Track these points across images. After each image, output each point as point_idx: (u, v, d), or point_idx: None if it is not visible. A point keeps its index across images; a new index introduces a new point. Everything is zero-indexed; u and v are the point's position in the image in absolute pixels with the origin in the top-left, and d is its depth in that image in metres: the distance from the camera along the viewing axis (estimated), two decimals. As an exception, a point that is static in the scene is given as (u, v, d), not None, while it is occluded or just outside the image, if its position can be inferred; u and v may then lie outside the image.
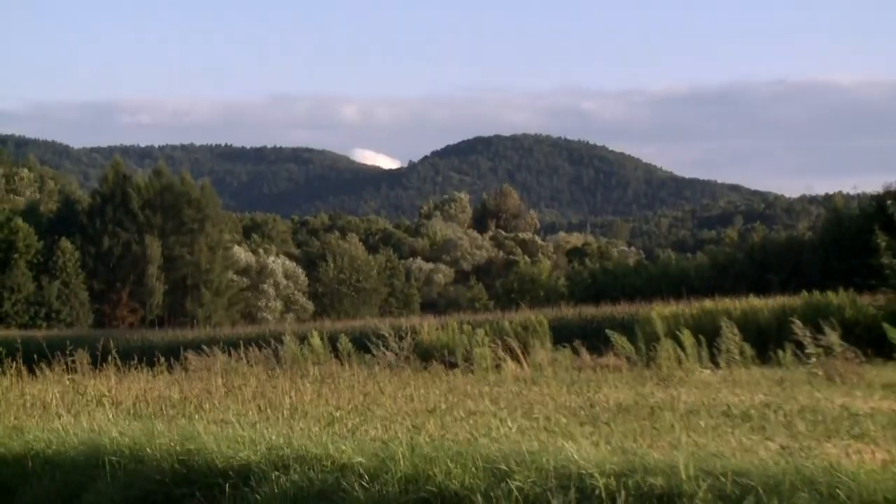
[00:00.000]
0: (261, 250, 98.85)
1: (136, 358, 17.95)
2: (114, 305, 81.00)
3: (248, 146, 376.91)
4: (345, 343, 18.97)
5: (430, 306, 76.17)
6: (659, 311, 30.33)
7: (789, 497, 6.02)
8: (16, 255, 79.83)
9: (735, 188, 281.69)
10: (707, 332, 16.79)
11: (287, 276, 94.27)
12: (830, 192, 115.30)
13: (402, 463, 6.97)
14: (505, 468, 6.70)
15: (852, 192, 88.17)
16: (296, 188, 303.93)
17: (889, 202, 38.24)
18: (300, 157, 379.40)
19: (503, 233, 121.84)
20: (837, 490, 5.98)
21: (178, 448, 7.74)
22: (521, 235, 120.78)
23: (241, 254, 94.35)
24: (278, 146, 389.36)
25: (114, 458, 7.72)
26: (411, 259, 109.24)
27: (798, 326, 16.04)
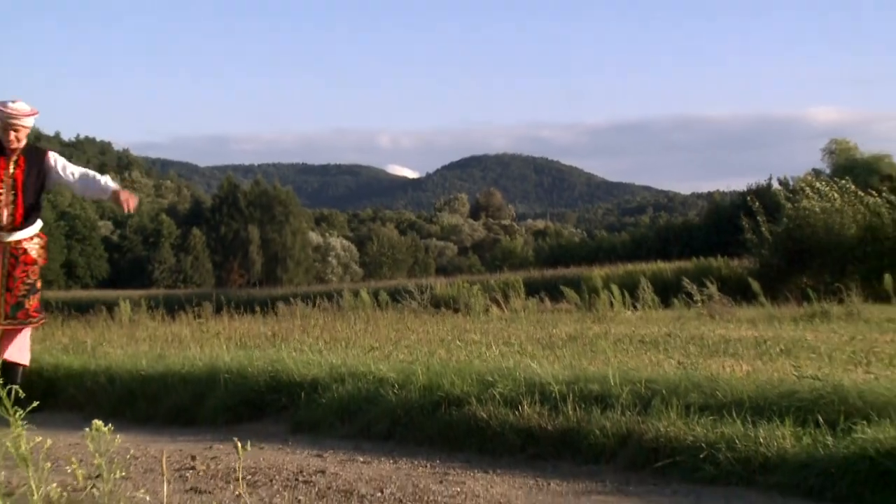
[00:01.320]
0: (326, 234, 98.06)
1: (242, 307, 17.52)
2: (228, 272, 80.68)
3: (318, 163, 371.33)
4: (383, 296, 18.45)
5: (441, 271, 75.10)
6: (596, 273, 29.44)
7: (684, 396, 5.47)
8: (162, 239, 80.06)
9: (647, 188, 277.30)
10: (629, 287, 15.98)
11: (344, 251, 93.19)
12: (711, 191, 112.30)
13: (420, 377, 6.55)
14: (491, 379, 6.28)
15: (725, 190, 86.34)
16: (349, 192, 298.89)
17: (749, 196, 37.24)
18: (352, 170, 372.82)
19: (491, 220, 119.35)
20: (716, 391, 5.51)
21: (269, 368, 7.50)
22: (503, 222, 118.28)
23: (313, 236, 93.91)
24: (337, 163, 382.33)
25: (226, 375, 7.45)
26: (429, 239, 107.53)
27: (688, 282, 15.65)
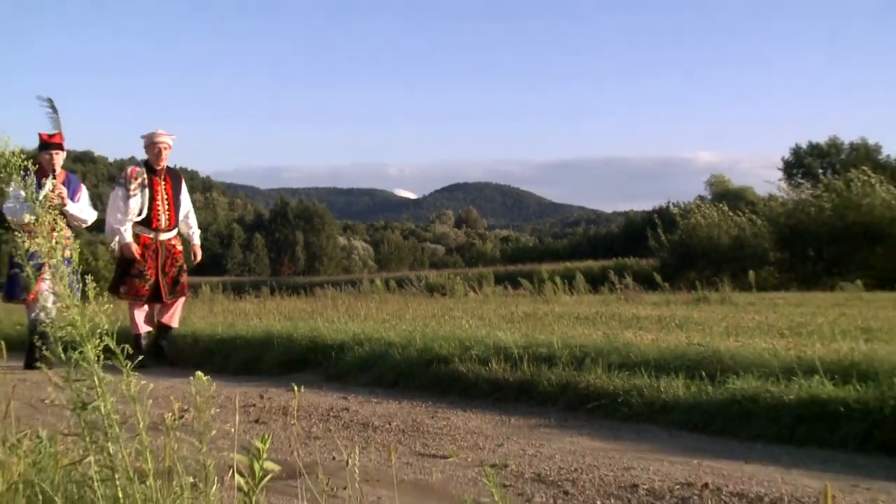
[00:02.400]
0: (350, 238, 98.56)
1: (289, 291, 17.46)
2: (280, 265, 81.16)
3: (344, 187, 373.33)
4: (392, 283, 18.36)
5: (433, 265, 74.85)
6: (544, 268, 29.41)
7: (607, 357, 5.43)
8: (233, 240, 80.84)
9: (581, 207, 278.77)
10: (568, 278, 15.86)
11: (363, 251, 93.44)
12: (627, 210, 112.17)
13: (418, 341, 6.51)
14: (468, 344, 6.24)
15: (637, 210, 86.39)
16: (367, 209, 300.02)
17: (654, 214, 37.49)
18: (369, 193, 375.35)
19: (469, 230, 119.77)
20: (630, 354, 5.49)
21: (309, 334, 7.41)
22: (478, 231, 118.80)
23: (341, 240, 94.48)
24: (358, 187, 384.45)
25: (278, 339, 7.38)
26: (424, 242, 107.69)
27: (611, 275, 15.65)
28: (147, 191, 7.45)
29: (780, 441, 4.12)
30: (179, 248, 7.81)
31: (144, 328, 7.62)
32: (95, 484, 1.67)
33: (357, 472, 2.29)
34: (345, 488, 2.57)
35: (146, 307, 7.66)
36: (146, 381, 1.79)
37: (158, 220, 7.48)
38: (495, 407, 5.25)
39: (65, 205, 7.09)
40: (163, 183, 7.51)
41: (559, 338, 6.22)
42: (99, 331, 1.70)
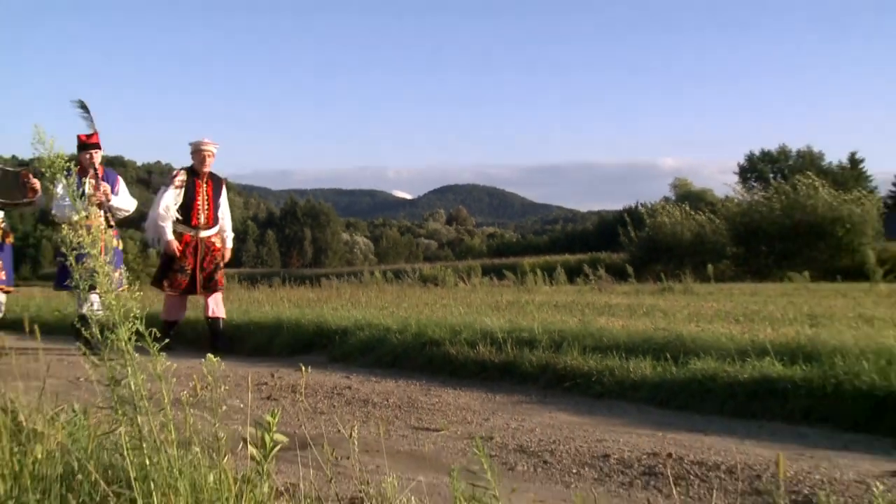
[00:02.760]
0: (353, 234, 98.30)
1: (298, 281, 17.37)
2: (289, 258, 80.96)
3: (347, 188, 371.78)
4: (389, 275, 18.32)
5: (427, 259, 74.88)
6: (526, 262, 29.31)
7: (582, 340, 5.43)
8: (247, 236, 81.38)
9: (560, 207, 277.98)
10: (547, 271, 15.88)
11: (364, 245, 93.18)
12: (601, 209, 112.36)
13: (413, 326, 6.47)
14: (458, 328, 6.21)
15: (610, 209, 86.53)
16: (368, 207, 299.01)
17: (624, 214, 37.53)
18: (370, 193, 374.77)
19: (459, 227, 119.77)
20: (603, 338, 5.47)
21: (315, 320, 7.38)
22: (467, 228, 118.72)
23: (345, 236, 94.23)
24: (360, 188, 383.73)
25: (287, 324, 7.34)
26: (419, 238, 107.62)
27: (586, 267, 15.61)
28: (188, 191, 7.36)
29: (736, 415, 4.13)
30: (218, 245, 7.63)
31: (174, 316, 7.49)
32: (126, 452, 1.67)
33: (358, 443, 2.28)
34: (347, 458, 2.57)
35: (181, 298, 7.50)
36: (170, 361, 1.80)
37: (198, 219, 7.36)
38: (482, 385, 5.23)
39: (109, 200, 7.11)
40: (204, 185, 7.42)
41: (539, 323, 6.21)
42: (131, 315, 1.71)
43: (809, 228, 25.21)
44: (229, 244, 7.81)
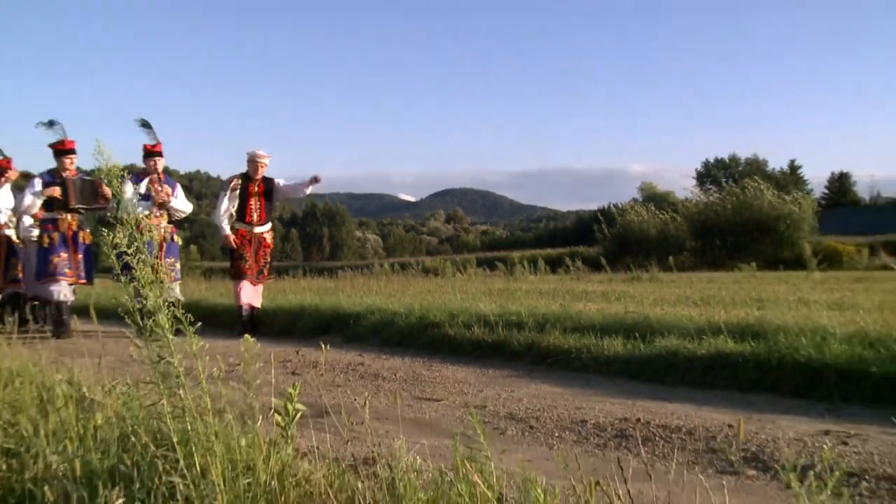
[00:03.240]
0: (365, 232, 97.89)
1: (317, 273, 17.33)
2: (310, 253, 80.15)
3: (359, 193, 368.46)
4: (396, 267, 18.21)
5: (428, 253, 74.58)
6: (515, 255, 29.17)
7: (563, 322, 5.40)
8: (274, 235, 79.45)
9: (544, 208, 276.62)
10: (533, 262, 15.78)
11: (374, 242, 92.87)
12: (578, 209, 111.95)
13: (417, 311, 6.41)
14: (455, 312, 6.16)
15: (586, 209, 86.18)
16: (378, 209, 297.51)
17: (598, 213, 37.43)
18: (379, 197, 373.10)
19: (457, 225, 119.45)
20: (581, 320, 5.44)
21: (333, 305, 7.33)
22: (463, 226, 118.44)
23: (358, 234, 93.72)
24: (371, 193, 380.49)
25: (308, 310, 7.29)
26: (422, 235, 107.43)
27: (566, 260, 15.50)
28: (242, 193, 7.39)
29: (695, 385, 4.13)
30: (270, 241, 7.65)
31: (245, 301, 7.38)
32: (168, 420, 1.68)
33: (370, 411, 2.27)
34: (361, 423, 2.57)
35: (247, 285, 7.42)
36: (213, 342, 1.80)
37: (251, 217, 7.38)
38: (477, 361, 5.22)
39: (170, 201, 7.23)
40: (256, 187, 7.43)
41: (526, 308, 6.20)
42: (169, 302, 1.72)
43: (756, 225, 25.39)
44: (308, 178, 7.64)
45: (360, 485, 1.57)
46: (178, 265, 7.45)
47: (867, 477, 2.40)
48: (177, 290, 6.84)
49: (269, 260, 7.62)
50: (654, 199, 41.48)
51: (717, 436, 2.96)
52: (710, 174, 52.53)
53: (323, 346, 2.55)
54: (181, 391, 1.64)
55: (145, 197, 7.20)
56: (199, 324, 1.74)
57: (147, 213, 7.04)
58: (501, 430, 3.20)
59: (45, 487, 1.65)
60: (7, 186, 7.86)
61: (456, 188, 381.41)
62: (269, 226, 7.64)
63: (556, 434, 3.12)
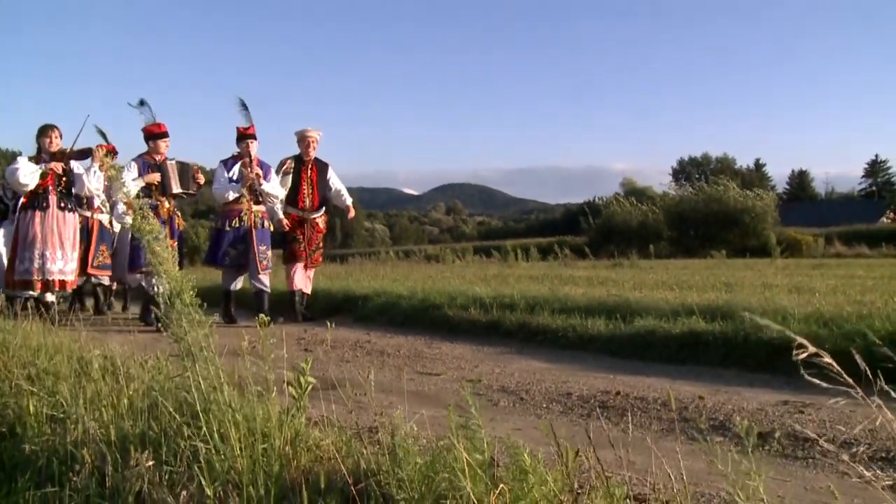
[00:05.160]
0: (373, 223, 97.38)
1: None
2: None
3: (368, 187, 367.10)
4: (401, 255, 18.20)
5: (430, 242, 74.37)
6: (508, 244, 29.00)
7: (551, 304, 5.38)
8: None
9: (534, 201, 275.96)
10: (525, 251, 15.82)
11: (382, 232, 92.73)
12: (567, 202, 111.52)
13: (419, 293, 6.35)
14: (454, 295, 6.09)
15: (573, 202, 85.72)
16: (385, 202, 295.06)
17: (584, 206, 37.36)
18: (385, 191, 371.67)
19: (456, 216, 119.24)
20: (568, 302, 5.38)
21: (343, 288, 7.22)
22: (462, 217, 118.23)
23: (367, 224, 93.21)
24: (379, 187, 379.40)
25: (321, 293, 7.15)
26: (424, 226, 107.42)
27: (555, 248, 15.47)
28: (294, 178, 6.57)
29: (669, 361, 4.13)
30: (322, 226, 6.84)
31: (298, 286, 6.63)
32: (192, 391, 1.68)
33: (375, 385, 2.27)
34: (367, 395, 2.57)
35: (300, 268, 6.62)
36: (230, 322, 1.80)
37: (304, 202, 6.58)
38: (473, 340, 5.20)
39: (261, 185, 6.29)
40: (309, 171, 6.59)
41: (518, 291, 6.18)
42: (191, 285, 1.71)
43: (725, 217, 25.57)
44: (349, 203, 7.24)
45: (364, 450, 1.57)
46: (269, 252, 6.45)
47: (820, 442, 2.40)
48: (265, 280, 6.28)
49: (320, 245, 6.88)
50: (635, 193, 41.33)
51: (688, 406, 2.96)
52: (685, 171, 52.74)
53: (329, 324, 2.55)
54: (199, 365, 1.63)
55: (237, 181, 6.27)
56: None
57: (236, 196, 6.21)
58: (494, 401, 3.19)
59: (84, 450, 1.68)
60: (99, 170, 6.73)
61: (455, 183, 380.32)
62: (321, 211, 6.83)
63: (544, 405, 3.12)
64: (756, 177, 47.08)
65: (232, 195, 6.21)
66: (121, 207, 6.85)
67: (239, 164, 6.30)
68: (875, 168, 56.84)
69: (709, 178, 34.79)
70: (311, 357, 1.77)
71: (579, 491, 1.57)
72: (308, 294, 6.85)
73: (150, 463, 1.50)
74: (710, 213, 25.95)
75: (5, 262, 6.27)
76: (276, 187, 6.44)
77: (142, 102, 6.10)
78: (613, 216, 29.00)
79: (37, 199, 5.87)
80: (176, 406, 1.74)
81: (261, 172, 6.33)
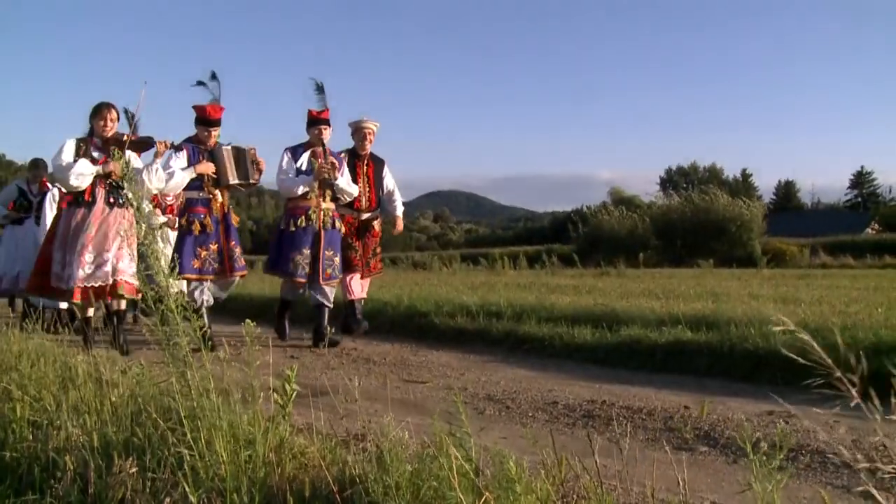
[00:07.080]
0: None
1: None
2: None
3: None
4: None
5: (418, 249, 73.97)
6: (496, 251, 29.18)
7: (538, 312, 5.32)
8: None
9: (523, 209, 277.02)
10: (512, 258, 15.85)
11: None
12: (554, 210, 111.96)
13: (405, 301, 6.31)
14: (441, 303, 6.07)
15: (561, 210, 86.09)
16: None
17: (572, 214, 37.56)
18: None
19: (444, 223, 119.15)
20: (554, 310, 5.41)
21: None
22: (449, 225, 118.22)
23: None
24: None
25: (306, 299, 6.71)
26: (412, 233, 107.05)
27: (543, 256, 15.55)
28: (349, 174, 5.66)
29: (655, 370, 4.15)
30: (378, 228, 5.99)
31: (356, 294, 5.86)
32: (177, 397, 1.68)
33: (361, 392, 2.26)
34: (353, 402, 2.57)
35: (357, 277, 5.82)
36: (218, 327, 1.80)
37: (359, 201, 5.70)
38: (459, 348, 5.20)
39: (336, 179, 5.30)
40: (364, 167, 5.78)
41: (505, 299, 6.18)
42: (177, 291, 1.71)
43: (712, 227, 25.81)
44: (399, 213, 6.05)
45: (350, 458, 1.57)
46: (337, 259, 5.37)
47: (803, 452, 2.43)
48: (329, 293, 5.35)
49: (377, 251, 6.02)
50: (622, 202, 41.66)
51: (674, 416, 2.98)
52: (672, 180, 53.21)
53: (305, 335, 2.54)
54: (188, 371, 1.63)
55: (306, 172, 5.30)
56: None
57: (306, 191, 5.23)
58: (480, 410, 3.20)
59: (67, 457, 1.67)
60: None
61: (443, 190, 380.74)
62: (377, 212, 5.98)
63: (530, 414, 3.12)
64: (742, 187, 47.70)
65: (302, 189, 5.23)
66: (168, 200, 6.19)
67: (308, 153, 5.35)
68: (860, 179, 57.88)
69: (696, 187, 35.16)
70: (296, 364, 1.78)
71: (567, 501, 1.59)
72: (362, 299, 6.09)
73: (134, 470, 1.50)
74: (697, 222, 26.23)
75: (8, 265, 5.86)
76: (350, 183, 5.55)
77: (213, 76, 5.15)
78: (601, 225, 29.16)
79: (81, 193, 4.70)
80: (161, 412, 1.74)
81: (335, 162, 5.39)
